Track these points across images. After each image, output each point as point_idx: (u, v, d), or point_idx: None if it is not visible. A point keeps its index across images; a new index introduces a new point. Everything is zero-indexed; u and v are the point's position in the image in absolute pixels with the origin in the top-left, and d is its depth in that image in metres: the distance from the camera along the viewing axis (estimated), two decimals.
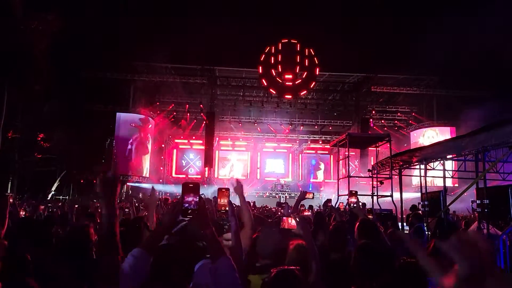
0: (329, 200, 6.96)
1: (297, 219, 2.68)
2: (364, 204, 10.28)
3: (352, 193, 4.64)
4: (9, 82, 20.18)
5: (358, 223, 3.75)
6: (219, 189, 2.95)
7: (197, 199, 1.95)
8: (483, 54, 24.01)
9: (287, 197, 27.11)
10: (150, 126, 28.87)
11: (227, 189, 2.97)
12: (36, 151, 24.70)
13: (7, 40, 19.67)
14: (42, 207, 9.62)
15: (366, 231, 3.58)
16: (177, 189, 27.83)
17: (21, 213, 6.07)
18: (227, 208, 2.88)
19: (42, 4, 21.15)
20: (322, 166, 34.55)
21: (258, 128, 30.37)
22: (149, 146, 28.97)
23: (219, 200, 2.95)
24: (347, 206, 8.61)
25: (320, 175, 34.35)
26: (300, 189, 29.57)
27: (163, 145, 31.15)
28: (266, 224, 3.84)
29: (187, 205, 1.94)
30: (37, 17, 20.76)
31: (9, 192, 22.07)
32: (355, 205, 4.52)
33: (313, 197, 7.48)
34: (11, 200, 4.70)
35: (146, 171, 28.52)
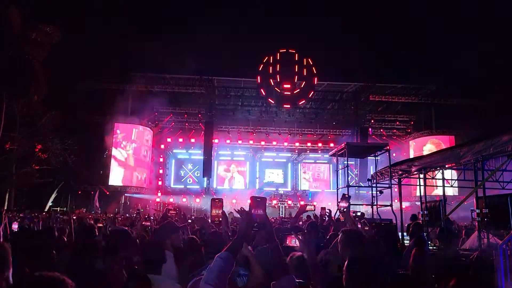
0: (322, 208, 6.79)
1: (301, 239, 2.57)
2: (362, 214, 10.17)
3: (344, 197, 4.44)
4: (7, 93, 20.16)
5: (340, 235, 3.30)
6: (213, 200, 2.86)
7: (264, 214, 1.96)
8: (480, 62, 24.17)
9: (286, 207, 26.94)
10: (148, 136, 28.83)
11: (221, 200, 2.89)
12: (33, 163, 24.59)
13: (6, 52, 19.73)
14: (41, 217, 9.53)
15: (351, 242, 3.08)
16: (176, 200, 27.68)
17: (14, 226, 5.97)
18: (220, 219, 2.79)
19: (41, 16, 21.27)
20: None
21: (256, 136, 30.26)
22: (147, 157, 28.89)
23: (212, 211, 2.86)
24: (338, 212, 8.41)
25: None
26: (299, 199, 29.40)
27: (161, 156, 31.04)
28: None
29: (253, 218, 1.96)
30: (35, 29, 20.84)
31: (6, 203, 21.96)
32: (345, 209, 4.22)
33: (314, 209, 7.30)
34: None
35: (144, 182, 28.39)
